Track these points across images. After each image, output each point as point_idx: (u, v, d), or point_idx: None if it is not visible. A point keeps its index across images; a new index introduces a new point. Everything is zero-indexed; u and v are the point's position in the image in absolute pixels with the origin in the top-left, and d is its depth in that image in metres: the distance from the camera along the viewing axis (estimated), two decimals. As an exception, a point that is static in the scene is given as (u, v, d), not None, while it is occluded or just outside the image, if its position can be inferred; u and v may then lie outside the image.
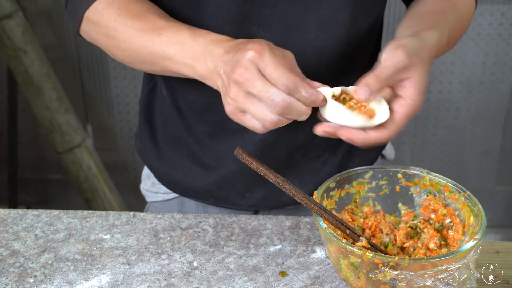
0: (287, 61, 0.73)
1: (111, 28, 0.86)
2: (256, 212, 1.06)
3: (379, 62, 0.76)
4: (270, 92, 0.71)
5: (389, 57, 0.75)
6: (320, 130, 0.77)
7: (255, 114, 0.73)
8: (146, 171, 1.15)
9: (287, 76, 0.71)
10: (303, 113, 0.73)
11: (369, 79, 0.74)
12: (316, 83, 0.75)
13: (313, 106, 0.74)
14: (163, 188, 1.10)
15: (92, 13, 0.88)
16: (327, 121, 0.77)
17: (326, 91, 0.75)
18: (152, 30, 0.83)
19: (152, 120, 1.08)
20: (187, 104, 0.99)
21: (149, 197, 1.14)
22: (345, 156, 1.02)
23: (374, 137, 0.75)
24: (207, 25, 0.84)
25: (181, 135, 1.03)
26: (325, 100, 0.74)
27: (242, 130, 0.96)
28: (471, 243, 0.74)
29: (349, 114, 0.74)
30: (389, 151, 1.14)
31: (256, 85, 0.71)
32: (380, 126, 0.76)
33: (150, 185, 1.13)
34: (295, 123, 0.95)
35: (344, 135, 0.76)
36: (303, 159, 1.00)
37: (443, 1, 0.92)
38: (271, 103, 0.71)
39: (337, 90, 0.76)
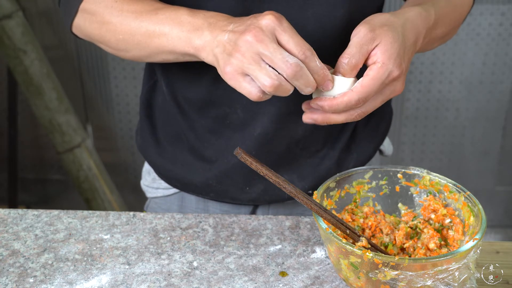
0: None
1: (107, 13, 0.86)
2: (255, 207, 1.06)
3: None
4: (283, 54, 0.72)
5: (353, 35, 0.78)
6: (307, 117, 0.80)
7: (257, 75, 0.72)
8: (146, 167, 1.15)
9: (305, 43, 0.73)
10: (310, 84, 0.74)
11: (344, 66, 0.76)
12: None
13: (322, 82, 0.76)
14: (164, 184, 1.10)
15: (88, 4, 0.88)
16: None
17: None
18: (149, 11, 0.84)
19: (153, 116, 1.08)
20: (187, 100, 1.00)
21: (149, 193, 1.15)
22: (343, 150, 1.03)
23: (339, 100, 0.76)
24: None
25: (182, 131, 1.03)
26: (332, 83, 0.76)
27: (242, 125, 0.97)
28: (471, 243, 0.74)
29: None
30: (387, 146, 1.14)
31: (270, 47, 0.72)
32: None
33: (150, 181, 1.13)
34: (294, 118, 0.95)
35: (314, 103, 0.77)
36: (302, 153, 1.01)
37: None
38: (284, 64, 0.71)
39: None
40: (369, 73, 0.76)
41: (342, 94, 0.76)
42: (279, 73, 0.72)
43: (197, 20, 0.79)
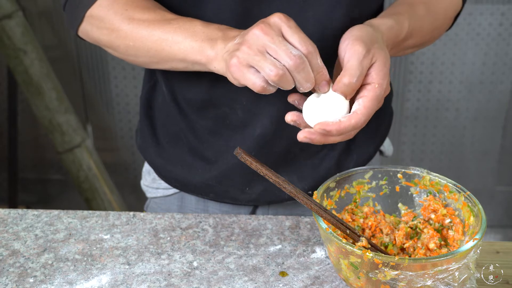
0: None
1: (117, 20, 0.87)
2: (255, 207, 1.06)
3: (340, 57, 0.79)
4: (288, 46, 0.74)
5: (351, 55, 0.77)
6: (302, 136, 0.79)
7: (262, 65, 0.73)
8: (146, 167, 1.15)
9: (309, 40, 0.75)
10: (310, 80, 0.75)
11: (345, 88, 0.76)
12: None
13: (320, 80, 0.76)
14: (164, 184, 1.10)
15: (96, 10, 0.88)
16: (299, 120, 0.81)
17: None
18: (161, 20, 0.85)
19: (153, 117, 1.09)
20: (187, 101, 1.00)
21: (149, 193, 1.15)
22: (343, 151, 1.03)
23: (347, 123, 0.76)
24: (208, 22, 0.85)
25: (181, 131, 1.03)
26: (328, 85, 0.77)
27: (242, 126, 0.97)
28: (471, 243, 0.74)
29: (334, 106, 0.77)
30: (387, 147, 1.14)
31: (275, 39, 0.74)
32: (352, 113, 0.78)
33: (150, 181, 1.13)
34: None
35: (319, 128, 0.77)
36: (301, 154, 1.01)
37: None
38: (288, 55, 0.73)
39: None
40: (368, 94, 0.77)
41: (347, 117, 0.76)
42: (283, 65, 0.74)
43: (211, 31, 0.81)
